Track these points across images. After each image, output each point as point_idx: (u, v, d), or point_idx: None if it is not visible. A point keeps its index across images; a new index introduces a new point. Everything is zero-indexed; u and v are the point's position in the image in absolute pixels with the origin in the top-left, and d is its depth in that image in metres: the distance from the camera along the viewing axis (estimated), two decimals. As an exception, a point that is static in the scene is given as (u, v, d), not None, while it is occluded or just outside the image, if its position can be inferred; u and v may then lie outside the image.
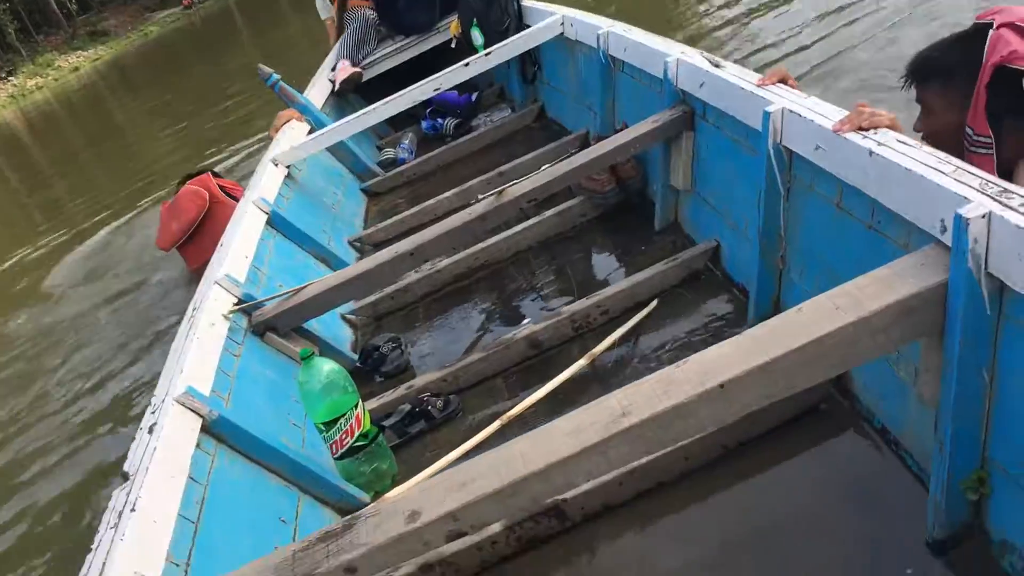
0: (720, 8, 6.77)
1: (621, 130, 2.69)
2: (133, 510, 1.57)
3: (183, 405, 1.89)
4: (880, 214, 1.56)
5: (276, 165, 3.63)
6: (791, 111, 1.80)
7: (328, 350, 2.69)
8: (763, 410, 1.70)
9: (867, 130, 1.56)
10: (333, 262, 3.33)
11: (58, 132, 19.69)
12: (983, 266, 1.22)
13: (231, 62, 17.52)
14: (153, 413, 1.89)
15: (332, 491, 2.07)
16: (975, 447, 1.36)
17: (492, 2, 4.34)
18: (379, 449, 2.14)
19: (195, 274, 4.79)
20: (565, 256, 2.96)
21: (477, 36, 4.44)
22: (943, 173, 1.33)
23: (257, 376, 2.33)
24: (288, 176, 3.66)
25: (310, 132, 4.08)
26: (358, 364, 2.72)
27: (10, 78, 34.22)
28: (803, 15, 5.67)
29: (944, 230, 1.29)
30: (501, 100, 5.15)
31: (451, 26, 4.89)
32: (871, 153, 1.49)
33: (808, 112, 1.75)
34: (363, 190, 4.48)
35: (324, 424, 2.05)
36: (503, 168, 3.68)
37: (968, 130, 1.66)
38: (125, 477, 1.71)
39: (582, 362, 2.22)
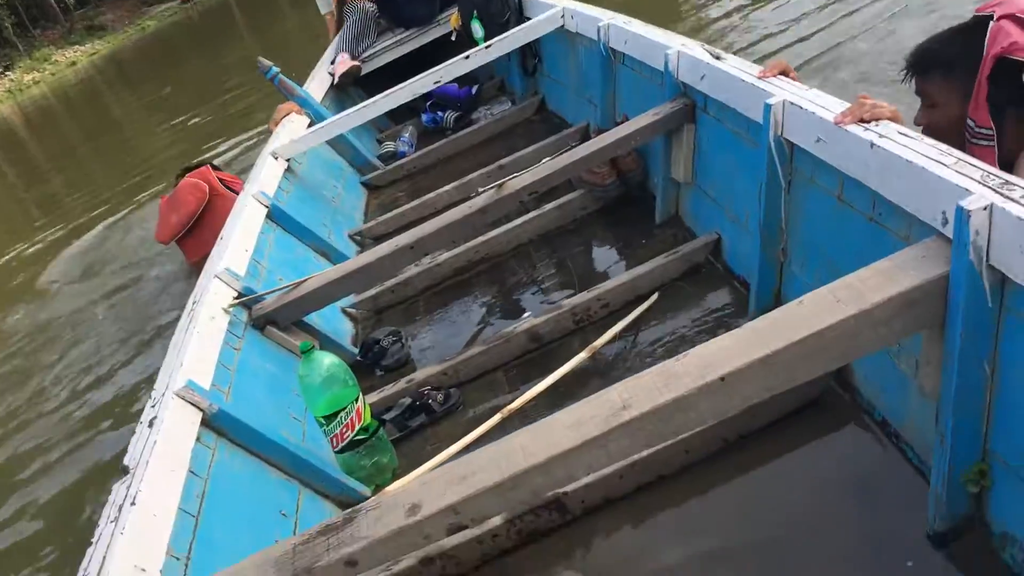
0: (719, -1, 6.77)
1: (622, 123, 2.68)
2: (133, 504, 1.57)
3: (183, 399, 1.89)
4: (881, 206, 1.56)
5: (276, 158, 3.62)
6: (792, 103, 1.80)
7: (328, 344, 2.69)
8: (764, 403, 1.69)
9: (868, 122, 1.56)
10: (333, 256, 3.33)
11: (55, 127, 19.64)
12: (984, 258, 1.21)
13: (229, 56, 17.49)
14: (153, 407, 1.89)
15: (333, 485, 2.07)
16: (976, 439, 1.35)
17: (492, -6, 4.33)
18: (380, 443, 2.13)
19: (195, 268, 4.78)
20: (566, 249, 2.96)
21: (477, 29, 4.42)
22: (944, 165, 1.33)
23: (257, 370, 2.33)
24: (288, 170, 3.65)
25: (310, 125, 4.07)
26: (358, 358, 2.72)
27: (7, 73, 34.15)
28: (802, 6, 5.66)
29: (945, 222, 1.29)
30: (501, 93, 5.13)
31: (451, 19, 4.87)
32: (872, 145, 1.49)
33: (809, 104, 1.74)
34: (363, 183, 4.48)
35: (324, 418, 2.05)
36: (503, 161, 3.67)
37: (970, 122, 1.66)
38: (125, 471, 1.71)
39: (583, 355, 2.21)
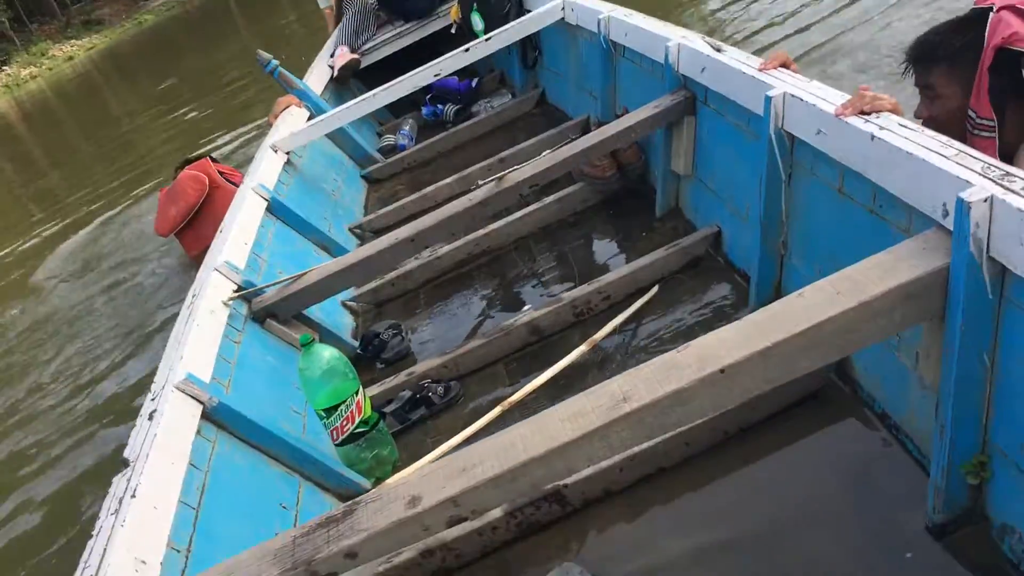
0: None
1: (622, 115, 2.68)
2: (134, 496, 1.57)
3: (183, 392, 1.89)
4: (882, 198, 1.55)
5: (275, 151, 3.62)
6: (793, 95, 1.79)
7: (328, 337, 2.69)
8: (764, 396, 1.70)
9: (869, 114, 1.56)
10: (333, 249, 3.33)
11: (53, 122, 19.59)
12: (985, 250, 1.21)
13: (227, 50, 17.44)
14: (153, 400, 1.89)
15: (333, 477, 2.07)
16: (976, 431, 1.35)
17: (492, -13, 4.32)
18: (380, 435, 2.14)
19: (194, 261, 4.78)
20: (566, 242, 2.96)
21: (477, 21, 4.41)
22: (945, 157, 1.33)
23: (257, 363, 2.33)
24: (288, 162, 3.65)
25: (309, 118, 4.07)
26: (359, 351, 2.72)
27: (4, 68, 34.00)
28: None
29: (946, 214, 1.29)
30: (501, 86, 5.12)
31: (451, 11, 4.86)
32: (873, 137, 1.48)
33: (810, 96, 1.74)
34: (363, 177, 4.47)
35: (325, 410, 2.05)
36: (504, 154, 3.67)
37: (971, 113, 1.66)
38: (125, 463, 1.71)
39: (583, 348, 2.21)
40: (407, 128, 4.78)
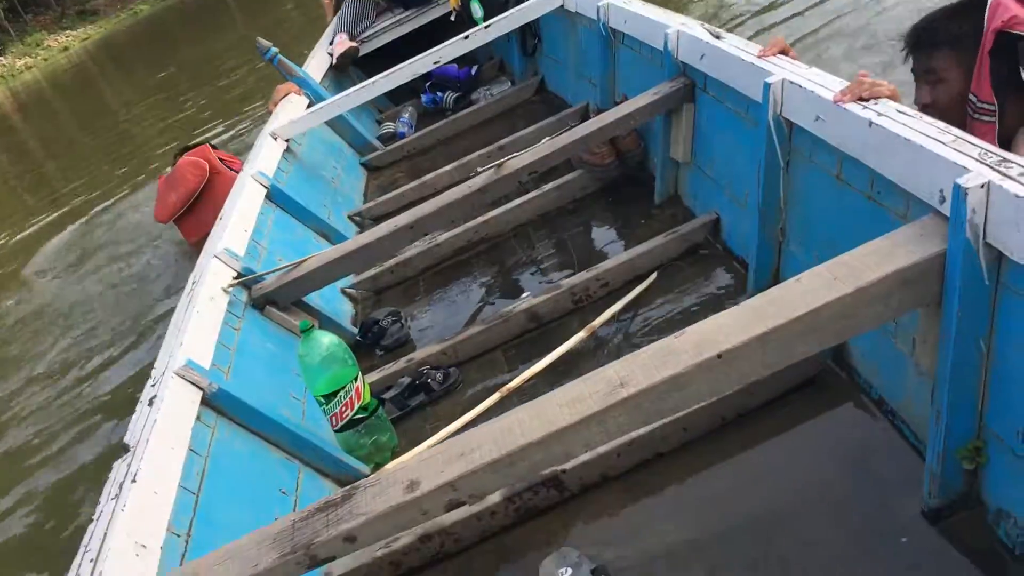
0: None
1: (621, 103, 2.67)
2: (134, 481, 1.58)
3: (183, 378, 1.90)
4: (880, 185, 1.56)
5: (275, 139, 3.62)
6: (791, 82, 1.79)
7: (328, 324, 2.69)
8: (761, 381, 1.71)
9: (867, 100, 1.56)
10: (333, 236, 3.33)
11: (49, 113, 19.54)
12: (981, 236, 1.21)
13: (224, 40, 17.40)
14: (153, 386, 1.90)
15: (332, 463, 2.08)
16: (971, 417, 1.36)
17: (492, -26, 4.31)
18: (379, 421, 2.14)
19: (194, 249, 4.77)
20: (565, 229, 2.96)
21: (477, 8, 4.40)
22: (942, 143, 1.33)
23: (257, 349, 2.34)
24: (287, 150, 3.64)
25: (309, 106, 4.06)
26: (358, 338, 2.73)
27: (-1, 58, 34.04)
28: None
29: (943, 200, 1.29)
30: (501, 73, 5.11)
31: (450, -2, 4.85)
32: (871, 123, 1.48)
33: (808, 83, 1.74)
34: (363, 164, 4.47)
35: (324, 397, 2.06)
36: (503, 142, 3.67)
37: (972, 97, 1.66)
38: (125, 449, 1.72)
39: (581, 334, 2.22)
40: (406, 116, 4.77)
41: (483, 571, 1.77)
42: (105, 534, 1.47)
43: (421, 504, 1.31)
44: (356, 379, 2.08)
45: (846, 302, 1.25)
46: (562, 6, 3.67)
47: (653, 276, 2.41)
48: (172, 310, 2.36)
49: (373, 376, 2.43)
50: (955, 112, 1.69)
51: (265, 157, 3.38)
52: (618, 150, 2.94)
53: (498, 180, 2.62)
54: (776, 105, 1.85)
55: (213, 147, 5.29)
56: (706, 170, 2.54)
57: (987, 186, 1.19)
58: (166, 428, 1.74)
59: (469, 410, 2.04)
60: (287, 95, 4.12)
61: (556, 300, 2.45)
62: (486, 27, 3.76)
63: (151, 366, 2.04)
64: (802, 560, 1.49)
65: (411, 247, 3.07)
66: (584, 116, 3.50)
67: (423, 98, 4.97)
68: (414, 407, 2.35)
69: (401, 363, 2.47)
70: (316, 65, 4.81)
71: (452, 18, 4.83)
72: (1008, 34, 1.55)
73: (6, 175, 13.30)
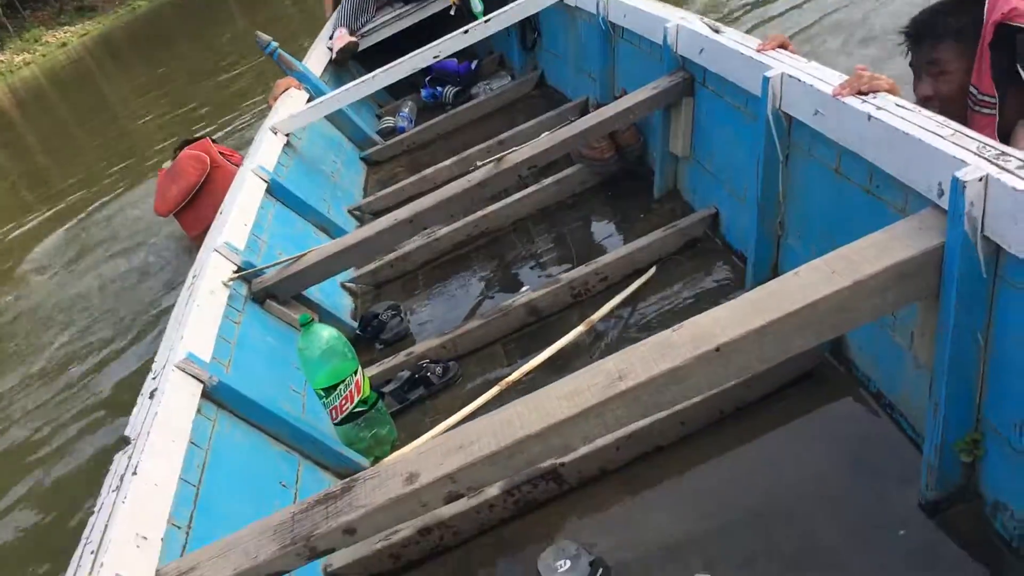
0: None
1: (621, 97, 2.68)
2: (135, 473, 1.58)
3: (184, 371, 1.91)
4: (878, 178, 1.56)
5: (275, 133, 3.62)
6: (791, 76, 1.79)
7: (328, 318, 2.70)
8: (760, 375, 1.72)
9: (866, 94, 1.56)
10: (333, 230, 3.33)
11: (47, 108, 19.49)
12: (979, 229, 1.22)
13: (223, 36, 17.37)
14: (154, 379, 1.91)
15: (332, 456, 2.09)
16: (969, 410, 1.37)
17: (492, -32, 4.30)
18: (378, 415, 2.15)
19: (194, 242, 4.77)
20: (564, 224, 2.96)
21: (477, 3, 4.40)
22: (941, 137, 1.33)
23: (257, 343, 2.34)
24: (287, 144, 3.65)
25: (309, 100, 4.06)
26: (358, 332, 2.73)
27: (-3, 54, 33.97)
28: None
29: (941, 193, 1.29)
30: (501, 68, 5.11)
31: (450, -7, 4.85)
32: (870, 117, 1.49)
33: (807, 77, 1.74)
34: (362, 159, 4.47)
35: (324, 390, 2.06)
36: (503, 136, 3.67)
37: (972, 89, 1.66)
38: (126, 441, 1.72)
39: (580, 328, 2.22)
40: (406, 110, 4.77)
41: (482, 564, 1.77)
42: (106, 526, 1.48)
43: (420, 496, 1.31)
44: (356, 373, 2.08)
45: (844, 295, 1.25)
46: (562, 1, 3.67)
47: (652, 270, 2.41)
48: (172, 305, 2.36)
49: (373, 370, 2.44)
50: (957, 104, 1.70)
51: (265, 151, 3.38)
52: (617, 144, 2.95)
53: (498, 174, 2.62)
54: (775, 99, 1.85)
55: (213, 141, 5.28)
56: (705, 164, 2.54)
57: (985, 179, 1.19)
58: (167, 421, 1.75)
59: (468, 404, 2.04)
60: (287, 90, 4.12)
61: (555, 294, 2.45)
62: (486, 22, 3.76)
63: (152, 360, 2.04)
64: (800, 552, 1.49)
65: (411, 241, 3.07)
66: (584, 110, 3.50)
67: (423, 92, 4.97)
68: (414, 401, 2.35)
69: (401, 357, 2.47)
70: (316, 59, 4.81)
71: (452, 13, 4.82)
72: (1008, 26, 1.55)
73: (5, 171, 13.28)
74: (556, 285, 2.45)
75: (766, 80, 1.85)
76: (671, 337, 1.31)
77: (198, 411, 1.86)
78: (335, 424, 2.12)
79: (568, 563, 1.56)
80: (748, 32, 2.15)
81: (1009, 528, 1.34)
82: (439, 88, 4.89)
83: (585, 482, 1.81)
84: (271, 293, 2.53)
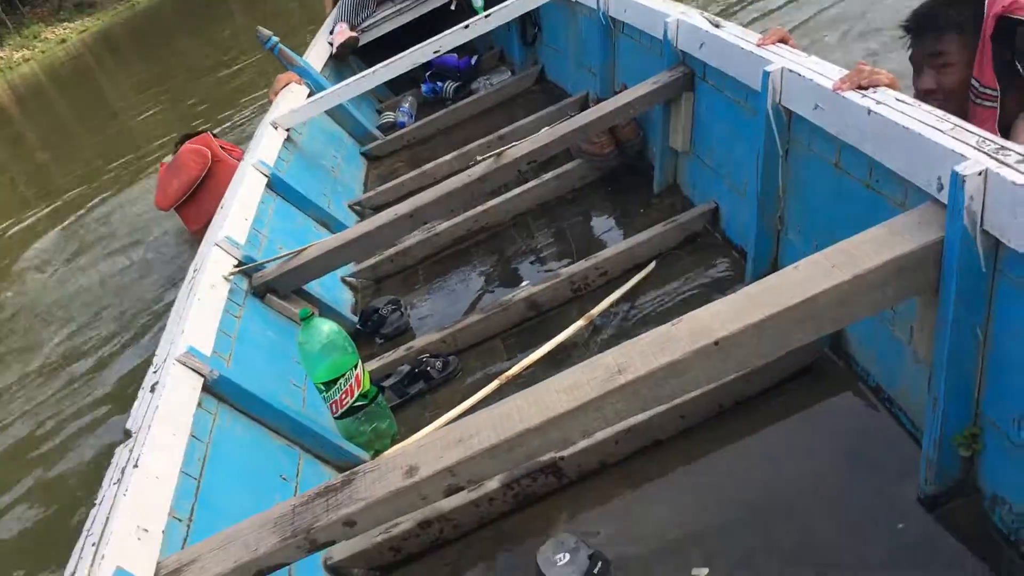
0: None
1: (621, 92, 2.67)
2: (136, 466, 1.59)
3: (184, 365, 1.91)
4: (878, 173, 1.56)
5: (276, 128, 3.62)
6: (790, 71, 1.80)
7: (328, 312, 2.70)
8: (759, 369, 1.72)
9: (866, 89, 1.56)
10: (333, 225, 3.33)
11: (46, 105, 19.45)
12: (979, 223, 1.22)
13: (222, 32, 17.35)
14: (155, 372, 1.91)
15: (332, 450, 2.09)
16: (968, 404, 1.37)
17: (492, -37, 4.29)
18: (379, 409, 2.15)
19: (195, 236, 4.77)
20: (564, 219, 2.96)
21: (477, -2, 4.40)
22: (940, 131, 1.33)
23: (258, 337, 2.35)
24: (288, 139, 3.65)
25: (309, 95, 4.06)
26: (358, 326, 2.74)
27: (-4, 50, 33.86)
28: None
29: (940, 188, 1.29)
30: (501, 63, 5.11)
31: (451, -12, 4.84)
32: (869, 112, 1.49)
33: (807, 71, 1.74)
34: (363, 154, 4.47)
35: (324, 384, 2.06)
36: (503, 131, 3.67)
37: (974, 82, 1.66)
38: (127, 434, 1.73)
39: (580, 323, 2.23)
40: (406, 105, 4.77)
41: (482, 557, 1.78)
42: (107, 518, 1.48)
43: (420, 489, 1.32)
44: (356, 367, 2.09)
45: (843, 290, 1.25)
46: (562, -5, 3.67)
47: (652, 265, 2.42)
48: (173, 300, 2.36)
49: (373, 364, 2.44)
50: (959, 97, 1.70)
51: (266, 146, 3.38)
52: (617, 139, 2.95)
53: (498, 169, 2.62)
54: (775, 93, 1.85)
55: (214, 136, 5.27)
56: (705, 159, 2.54)
57: (984, 174, 1.19)
58: (168, 414, 1.75)
59: (468, 398, 2.04)
60: (288, 85, 4.12)
61: (555, 289, 2.45)
62: (486, 16, 3.75)
63: (153, 355, 2.05)
64: (799, 546, 1.49)
65: (411, 236, 3.07)
66: (584, 105, 3.50)
67: (423, 87, 4.97)
68: (414, 395, 2.36)
69: (401, 351, 2.48)
70: (316, 55, 4.81)
71: (452, 7, 4.82)
72: (1009, 19, 1.55)
73: (4, 168, 13.26)
74: (556, 280, 2.45)
75: (766, 75, 1.85)
76: (670, 331, 1.31)
77: (199, 405, 1.86)
78: (335, 418, 2.12)
79: (567, 556, 1.57)
80: (748, 27, 2.14)
81: (1007, 522, 1.35)
82: (439, 83, 4.89)
83: (584, 476, 1.82)
84: (271, 287, 2.53)
